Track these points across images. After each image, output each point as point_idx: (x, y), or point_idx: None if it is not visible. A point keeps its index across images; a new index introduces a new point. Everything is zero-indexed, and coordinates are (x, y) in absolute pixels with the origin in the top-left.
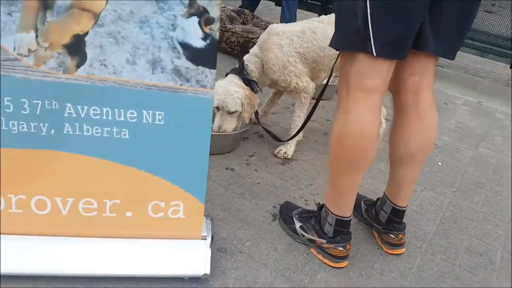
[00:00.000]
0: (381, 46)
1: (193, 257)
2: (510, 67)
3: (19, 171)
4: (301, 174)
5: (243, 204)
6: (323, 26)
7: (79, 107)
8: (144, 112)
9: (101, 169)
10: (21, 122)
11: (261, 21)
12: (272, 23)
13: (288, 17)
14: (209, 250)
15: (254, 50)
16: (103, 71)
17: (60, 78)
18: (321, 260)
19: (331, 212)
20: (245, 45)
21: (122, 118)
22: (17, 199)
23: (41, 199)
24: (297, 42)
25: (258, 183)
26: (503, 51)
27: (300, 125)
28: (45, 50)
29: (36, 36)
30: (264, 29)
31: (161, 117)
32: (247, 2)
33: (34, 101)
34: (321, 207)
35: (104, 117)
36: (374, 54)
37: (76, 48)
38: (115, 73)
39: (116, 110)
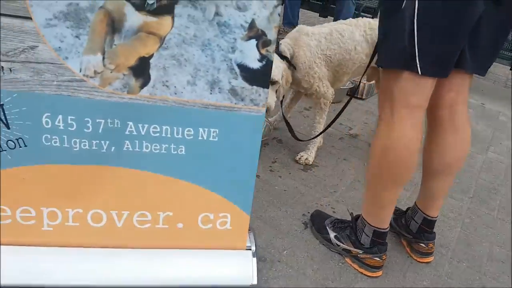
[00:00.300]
0: (426, 65)
1: (241, 267)
2: (510, 69)
3: (77, 186)
4: (324, 181)
5: (274, 212)
6: (351, 28)
7: (140, 125)
8: (200, 129)
9: (156, 183)
10: (83, 140)
11: None
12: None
13: (290, 16)
14: (255, 260)
15: (286, 40)
16: (165, 91)
17: (124, 98)
18: (357, 270)
19: (369, 224)
20: None
21: (179, 136)
22: (74, 213)
23: (97, 212)
24: (325, 44)
25: (285, 191)
26: (503, 53)
27: (320, 130)
28: (111, 72)
29: (103, 58)
30: None
31: (215, 134)
32: None
33: (97, 120)
34: (356, 217)
35: (163, 135)
36: (420, 73)
37: (141, 70)
38: (176, 94)
39: (174, 128)
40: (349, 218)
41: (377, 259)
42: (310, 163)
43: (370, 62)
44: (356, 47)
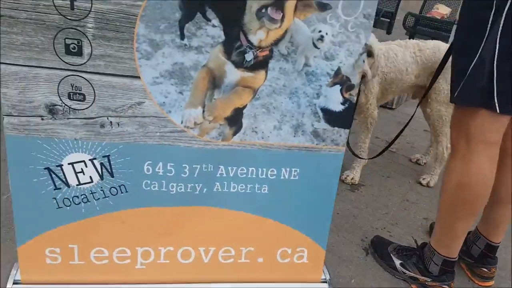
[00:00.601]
0: (505, 104)
1: None
2: None
3: (170, 226)
4: (373, 202)
5: (333, 238)
6: (402, 50)
7: (229, 168)
8: (283, 169)
9: (240, 220)
10: (179, 184)
11: None
12: None
13: None
14: None
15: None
16: (254, 136)
17: (218, 145)
18: None
19: (438, 253)
20: None
21: (263, 176)
22: (165, 251)
23: (187, 249)
24: (383, 61)
25: (338, 214)
26: None
27: (366, 150)
28: (209, 123)
29: (203, 111)
30: None
31: (297, 173)
32: None
33: (194, 166)
34: (422, 246)
35: (249, 176)
36: (498, 111)
37: (235, 119)
38: (263, 138)
39: (259, 169)
40: (409, 244)
41: (446, 287)
42: (356, 182)
43: (430, 87)
44: (407, 68)
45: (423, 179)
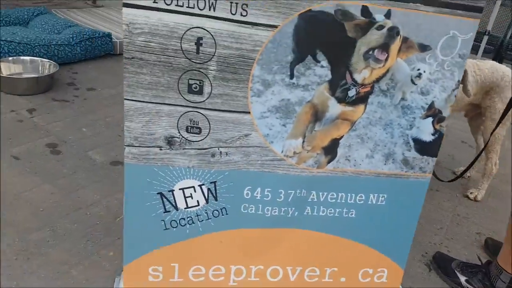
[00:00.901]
0: None
1: None
2: None
3: (262, 246)
4: (427, 216)
5: None
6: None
7: (320, 193)
8: (371, 195)
9: (326, 242)
10: (274, 208)
11: None
12: None
13: None
14: None
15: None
16: (346, 164)
17: (312, 172)
18: None
19: (506, 271)
20: None
21: (352, 201)
22: (256, 269)
23: (275, 269)
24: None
25: None
26: None
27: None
28: (307, 152)
29: (303, 142)
30: None
31: (384, 199)
32: None
33: (289, 191)
34: (487, 263)
35: (339, 201)
36: None
37: (331, 149)
38: (355, 166)
39: (349, 194)
40: (468, 259)
41: None
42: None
43: (506, 112)
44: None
45: (471, 193)
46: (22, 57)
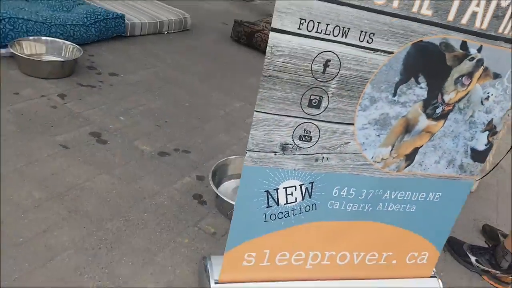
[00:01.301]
0: None
1: None
2: None
3: (337, 235)
4: None
5: None
6: None
7: (393, 192)
8: (430, 193)
9: (388, 232)
10: (355, 204)
11: None
12: None
13: None
14: (441, 284)
15: None
16: (418, 168)
17: (392, 175)
18: (493, 285)
19: (511, 253)
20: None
21: (415, 198)
22: (329, 255)
23: (344, 254)
24: None
25: None
26: None
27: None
28: (392, 159)
29: (391, 150)
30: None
31: (439, 196)
32: None
33: (369, 190)
34: (494, 246)
35: (405, 198)
36: None
37: (411, 156)
38: (424, 169)
39: (414, 193)
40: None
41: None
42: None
43: None
44: None
45: None
46: (43, 38)
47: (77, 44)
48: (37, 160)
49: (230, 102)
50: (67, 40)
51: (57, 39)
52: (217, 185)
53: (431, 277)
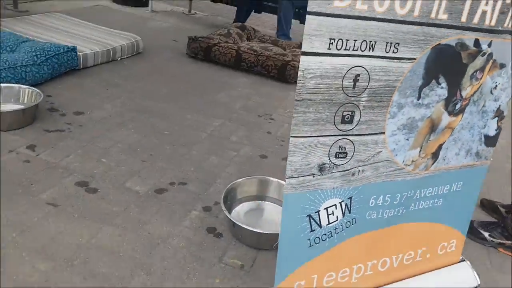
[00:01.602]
0: None
1: (467, 275)
2: None
3: (377, 244)
4: None
5: None
6: None
7: (422, 190)
8: (453, 184)
9: (420, 229)
10: (390, 210)
11: (264, 35)
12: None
13: (285, 28)
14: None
15: None
16: (442, 163)
17: (421, 175)
18: (510, 255)
19: None
20: (283, 68)
21: (441, 192)
22: (371, 264)
23: (385, 260)
24: None
25: None
26: None
27: None
28: (421, 159)
29: (420, 151)
30: (271, 43)
31: (460, 185)
32: (242, 15)
33: (403, 194)
34: (503, 219)
35: (432, 194)
36: None
37: (436, 153)
38: (447, 163)
39: (440, 187)
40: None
41: None
42: None
43: None
44: None
45: None
46: None
47: (31, 86)
48: (29, 226)
49: (208, 122)
50: (18, 83)
51: (11, 84)
52: (228, 212)
53: (460, 261)
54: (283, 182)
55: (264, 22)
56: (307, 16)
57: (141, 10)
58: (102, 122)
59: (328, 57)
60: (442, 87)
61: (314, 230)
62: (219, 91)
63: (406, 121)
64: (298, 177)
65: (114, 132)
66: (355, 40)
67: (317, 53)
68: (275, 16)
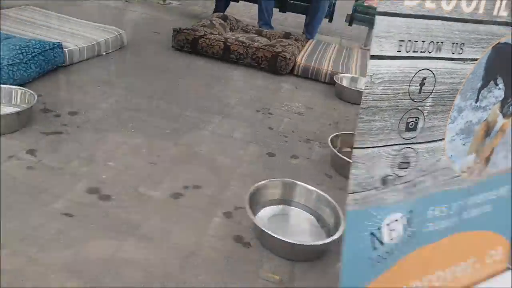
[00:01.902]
0: None
1: None
2: None
3: (434, 257)
4: None
5: None
6: None
7: (473, 197)
8: (501, 188)
9: (470, 238)
10: (446, 220)
11: (247, 25)
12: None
13: (266, 17)
14: None
15: None
16: (493, 167)
17: (474, 181)
18: None
19: None
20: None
21: (490, 198)
22: (427, 280)
23: (439, 274)
24: None
25: None
26: None
27: None
28: (476, 165)
29: (475, 156)
30: (256, 33)
31: (508, 189)
32: (223, 4)
33: (459, 202)
34: None
35: (482, 201)
36: None
37: (489, 158)
38: (496, 167)
39: (489, 192)
40: None
41: None
42: None
43: None
44: None
45: None
46: None
47: (19, 86)
48: (48, 240)
49: (207, 119)
50: (6, 84)
51: (4, 85)
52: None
53: (507, 269)
54: (309, 186)
55: (240, 10)
56: (377, 17)
57: (115, 1)
58: (100, 122)
59: (397, 60)
60: (499, 88)
61: (376, 248)
62: (212, 85)
63: (464, 126)
64: (362, 191)
65: (114, 133)
66: (423, 41)
67: (387, 56)
68: (250, 4)
